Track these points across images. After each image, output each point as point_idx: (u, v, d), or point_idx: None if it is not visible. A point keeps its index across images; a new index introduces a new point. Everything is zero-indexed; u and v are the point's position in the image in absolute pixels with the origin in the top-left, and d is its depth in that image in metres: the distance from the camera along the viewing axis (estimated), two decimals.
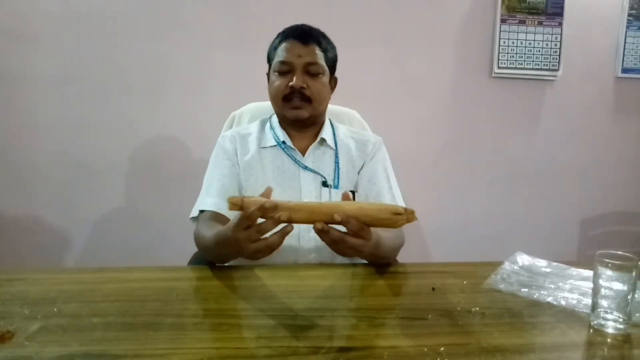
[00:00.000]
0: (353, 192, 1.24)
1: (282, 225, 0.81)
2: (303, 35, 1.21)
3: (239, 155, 1.24)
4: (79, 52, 2.01)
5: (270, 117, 1.33)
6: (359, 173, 1.27)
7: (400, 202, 1.24)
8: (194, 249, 1.31)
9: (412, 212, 0.85)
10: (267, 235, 0.82)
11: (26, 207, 2.08)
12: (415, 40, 2.19)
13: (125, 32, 2.02)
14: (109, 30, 2.01)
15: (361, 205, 0.86)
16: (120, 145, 2.08)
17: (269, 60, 1.27)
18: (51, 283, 0.93)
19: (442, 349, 0.67)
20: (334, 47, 1.29)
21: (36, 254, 2.10)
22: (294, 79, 1.18)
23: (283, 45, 1.21)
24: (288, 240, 1.08)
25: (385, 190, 1.24)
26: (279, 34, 1.25)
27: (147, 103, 2.07)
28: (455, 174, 2.31)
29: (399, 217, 0.84)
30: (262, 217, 0.81)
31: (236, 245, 0.83)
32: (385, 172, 1.28)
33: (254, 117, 1.42)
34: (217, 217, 1.13)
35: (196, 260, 1.29)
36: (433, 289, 0.91)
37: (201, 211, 1.16)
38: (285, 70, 1.20)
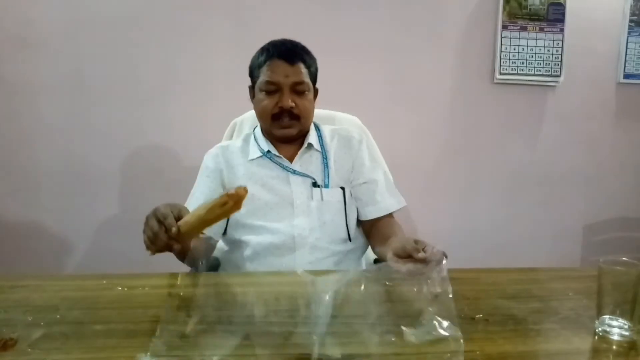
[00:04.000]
0: (343, 189, 1.25)
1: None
2: (288, 54, 1.21)
3: (225, 172, 1.26)
4: (82, 59, 2.02)
5: (253, 130, 1.34)
6: (351, 172, 1.29)
7: (392, 186, 1.33)
8: None
9: (235, 194, 0.85)
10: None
11: (28, 213, 2.08)
12: (417, 47, 2.20)
13: (129, 39, 2.03)
14: (112, 38, 2.02)
15: (196, 213, 0.89)
16: (123, 152, 2.08)
17: (252, 75, 1.26)
18: (53, 290, 0.93)
19: (447, 355, 0.67)
20: (315, 60, 1.28)
21: (38, 260, 2.09)
22: (283, 99, 1.19)
23: (269, 63, 1.20)
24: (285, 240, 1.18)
25: (382, 182, 1.29)
26: (263, 51, 1.24)
27: (149, 109, 2.07)
28: (457, 180, 2.31)
29: (228, 206, 0.86)
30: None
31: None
32: (372, 163, 1.32)
33: (255, 124, 1.43)
34: None
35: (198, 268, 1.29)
36: (436, 295, 0.90)
37: None
38: (273, 89, 1.20)
